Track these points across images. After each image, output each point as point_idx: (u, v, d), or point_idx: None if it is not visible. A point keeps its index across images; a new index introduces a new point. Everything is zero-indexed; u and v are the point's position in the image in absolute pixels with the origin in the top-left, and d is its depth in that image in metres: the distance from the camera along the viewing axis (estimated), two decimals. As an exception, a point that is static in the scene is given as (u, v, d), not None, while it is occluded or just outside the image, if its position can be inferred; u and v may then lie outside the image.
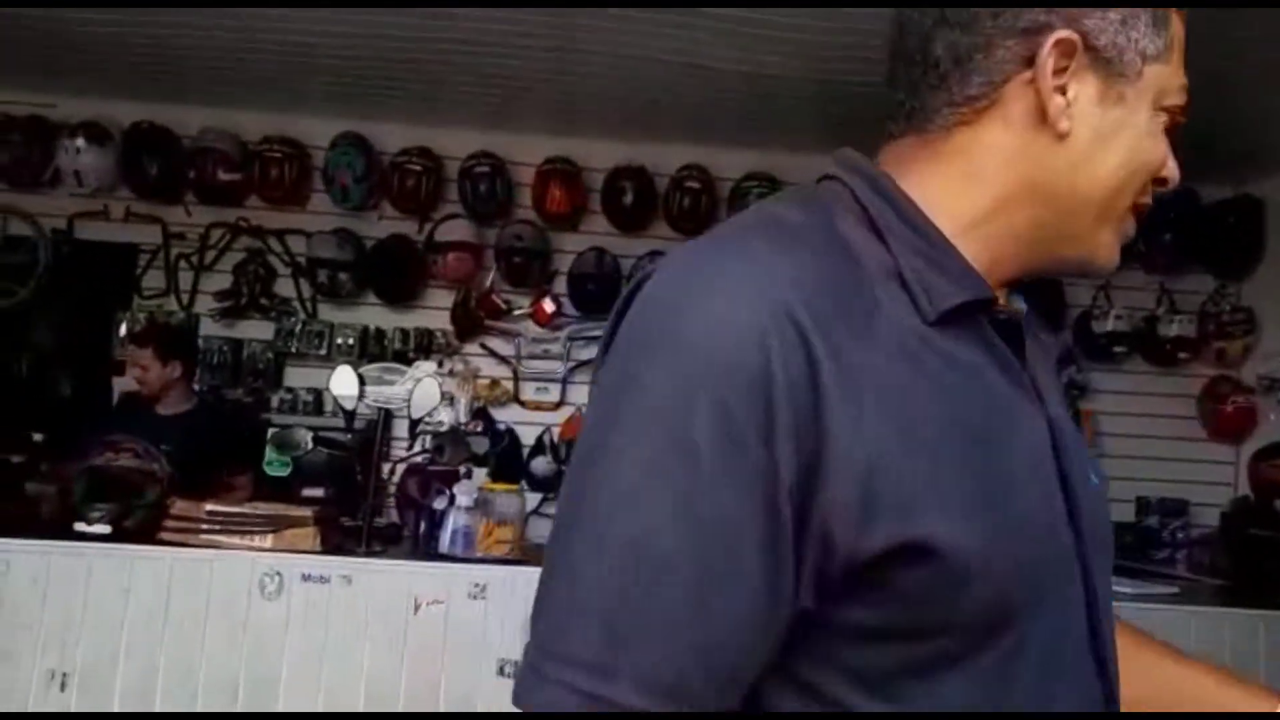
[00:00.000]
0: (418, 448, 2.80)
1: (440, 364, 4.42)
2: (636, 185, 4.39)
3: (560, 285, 4.49)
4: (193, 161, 4.26)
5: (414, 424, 2.78)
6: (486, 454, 4.32)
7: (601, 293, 4.40)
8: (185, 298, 4.37)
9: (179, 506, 2.54)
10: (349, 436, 2.84)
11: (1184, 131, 0.71)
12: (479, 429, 3.05)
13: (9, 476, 2.70)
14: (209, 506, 2.54)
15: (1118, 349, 4.43)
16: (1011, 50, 0.64)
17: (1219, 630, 2.69)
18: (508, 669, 2.48)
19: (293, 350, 4.31)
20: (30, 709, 2.36)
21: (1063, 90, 0.64)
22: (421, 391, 2.73)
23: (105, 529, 2.49)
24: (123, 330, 4.27)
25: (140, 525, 2.54)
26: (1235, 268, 4.44)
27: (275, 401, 4.30)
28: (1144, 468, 4.47)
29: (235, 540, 2.52)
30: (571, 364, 4.48)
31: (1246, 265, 4.42)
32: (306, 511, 2.58)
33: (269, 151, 4.27)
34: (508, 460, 4.38)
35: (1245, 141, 3.91)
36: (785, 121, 4.18)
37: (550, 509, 4.01)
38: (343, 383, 2.70)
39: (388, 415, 2.74)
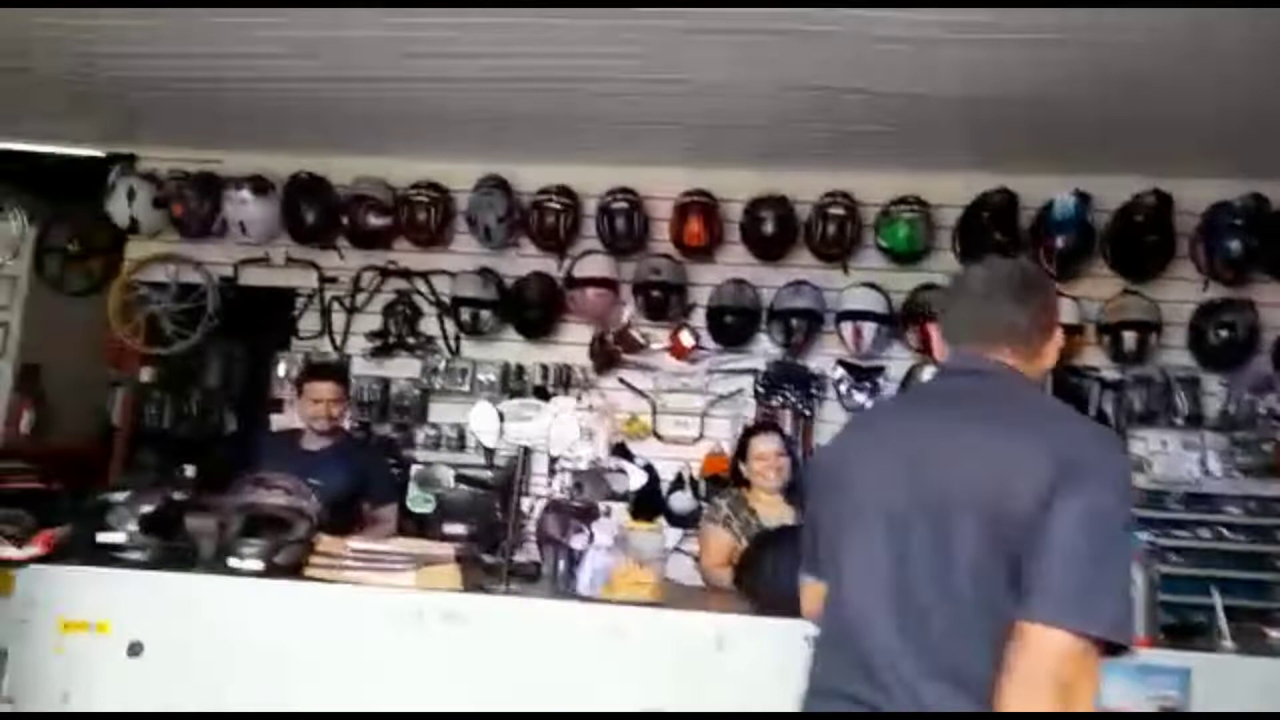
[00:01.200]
0: (556, 485, 2.74)
1: (579, 399, 4.41)
2: (776, 214, 4.26)
3: (698, 318, 4.41)
4: (346, 208, 4.45)
5: (553, 460, 2.73)
6: (627, 491, 4.28)
7: (740, 324, 4.29)
8: (338, 338, 4.55)
9: (324, 543, 2.58)
10: (490, 474, 2.82)
11: None
12: (617, 466, 2.98)
13: (172, 511, 2.81)
14: (353, 544, 2.57)
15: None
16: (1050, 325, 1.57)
17: None
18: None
19: (437, 387, 4.40)
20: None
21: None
22: (560, 427, 2.69)
23: (258, 565, 2.55)
24: (281, 370, 4.48)
25: (290, 561, 2.59)
26: None
27: (420, 437, 4.40)
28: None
29: (378, 578, 2.53)
30: (710, 397, 4.37)
31: None
32: (449, 549, 2.57)
33: (416, 196, 4.41)
34: (647, 497, 4.30)
35: None
36: (929, 141, 3.97)
37: (690, 545, 3.89)
38: (482, 419, 2.69)
39: (526, 452, 2.70)
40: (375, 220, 4.43)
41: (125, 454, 4.77)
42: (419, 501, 2.76)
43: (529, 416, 2.77)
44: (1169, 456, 4.07)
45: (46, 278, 5.04)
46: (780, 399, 4.25)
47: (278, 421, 4.43)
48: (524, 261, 4.52)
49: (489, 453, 2.76)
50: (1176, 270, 4.15)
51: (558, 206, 4.34)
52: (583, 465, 2.88)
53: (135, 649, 2.50)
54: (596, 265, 4.32)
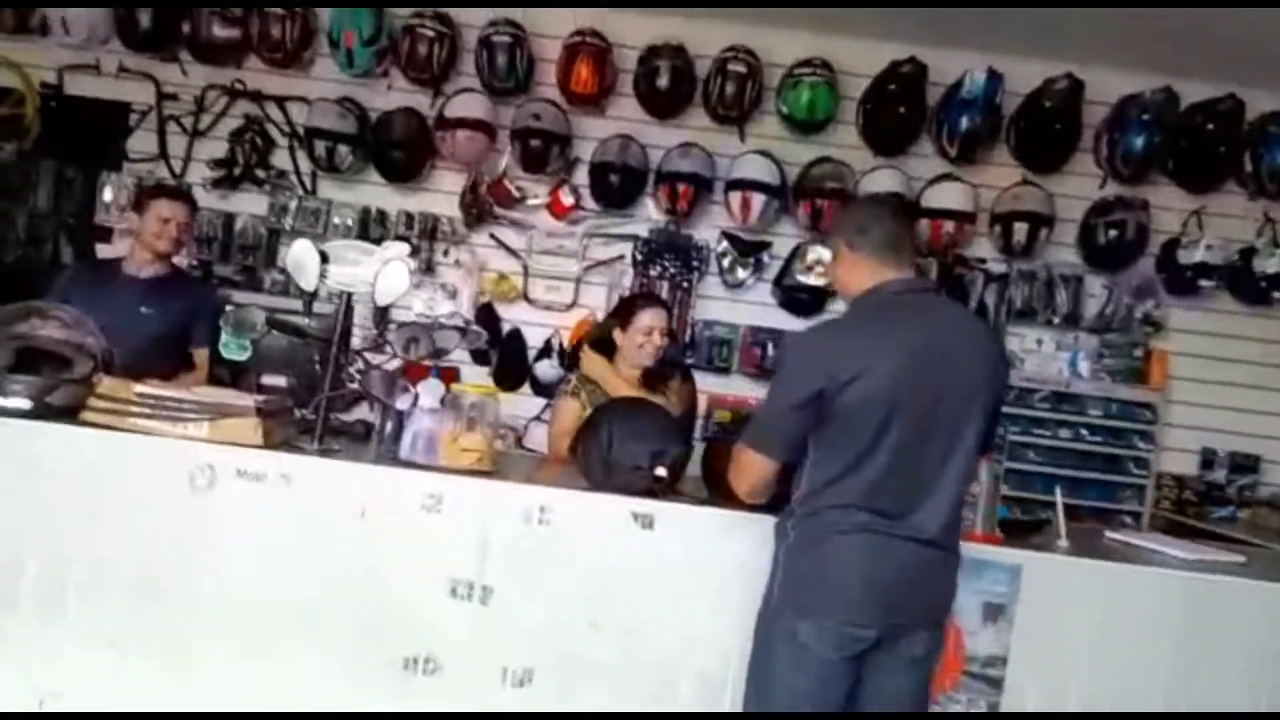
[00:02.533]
0: (393, 340, 2.46)
1: (445, 253, 4.09)
2: (673, 65, 3.91)
3: (580, 177, 4.09)
4: (189, 15, 3.89)
5: (382, 312, 2.44)
6: (487, 353, 4.03)
7: (624, 185, 3.99)
8: (177, 164, 4.06)
9: (106, 385, 2.26)
10: (308, 321, 2.53)
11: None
12: (454, 324, 2.71)
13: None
14: (139, 388, 2.26)
15: (1204, 283, 3.90)
16: None
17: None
18: (460, 589, 2.20)
19: (287, 227, 4.00)
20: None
21: None
22: (389, 276, 2.39)
23: (24, 404, 2.23)
24: (108, 195, 3.99)
25: (66, 403, 2.28)
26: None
27: (267, 282, 4.04)
28: (1215, 418, 4.02)
29: (167, 427, 2.24)
30: (587, 263, 4.10)
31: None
32: (249, 401, 2.29)
33: (269, 6, 3.88)
34: (510, 363, 4.08)
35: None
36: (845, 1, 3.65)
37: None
38: (300, 258, 2.37)
39: (350, 299, 2.41)
40: (222, 31, 3.90)
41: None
42: (233, 348, 2.44)
43: (357, 261, 2.46)
44: (1041, 355, 4.04)
45: None
46: (659, 268, 4.01)
47: (104, 252, 3.99)
48: (393, 96, 4.07)
49: (308, 298, 2.45)
50: (1077, 165, 4.01)
51: (431, 33, 3.88)
52: (420, 320, 2.61)
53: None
54: (472, 105, 3.91)
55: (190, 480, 2.22)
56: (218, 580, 2.21)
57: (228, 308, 2.61)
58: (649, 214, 4.09)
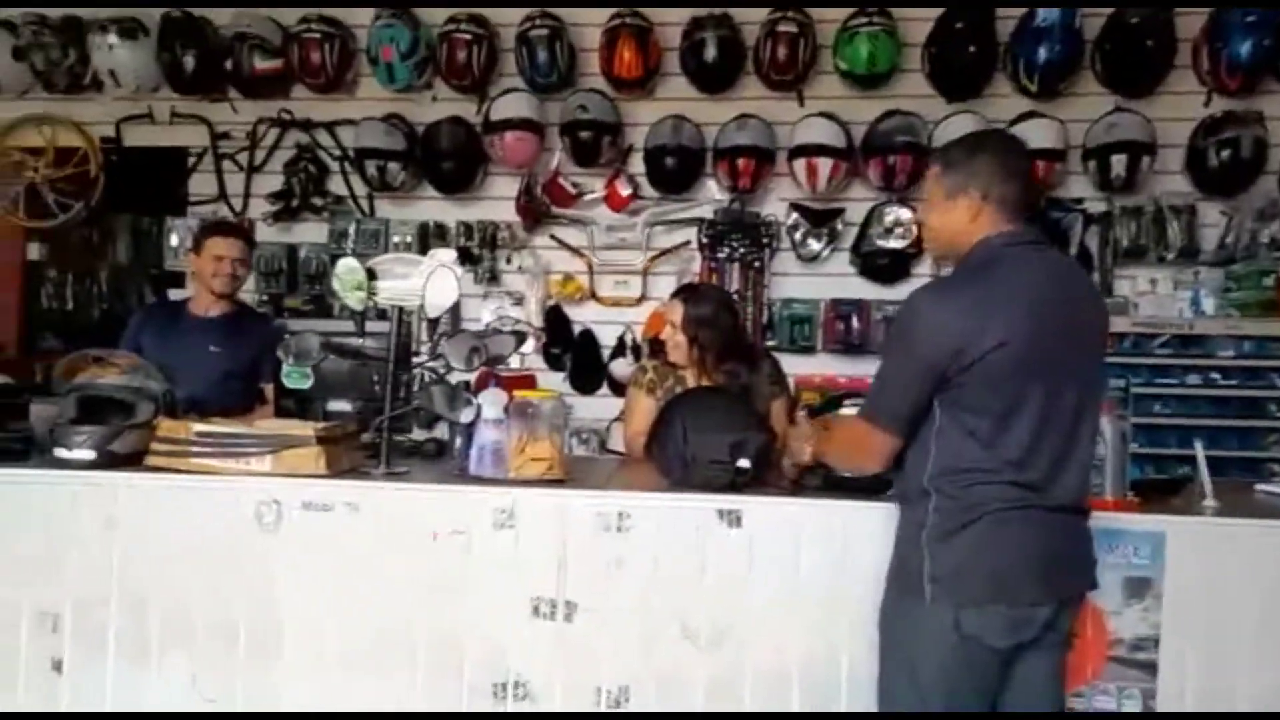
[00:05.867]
0: (447, 351, 2.35)
1: (508, 260, 3.99)
2: (719, 35, 3.71)
3: (636, 164, 3.93)
4: (230, 51, 3.90)
5: (433, 324, 2.34)
6: (561, 357, 3.91)
7: (681, 167, 3.80)
8: (236, 202, 4.08)
9: (165, 427, 2.22)
10: (362, 341, 2.44)
11: None
12: (511, 328, 2.60)
13: (6, 398, 2.45)
14: (198, 427, 2.20)
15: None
16: None
17: None
18: (542, 608, 2.06)
19: (348, 252, 3.95)
20: (24, 651, 2.14)
21: None
22: (437, 285, 2.28)
23: (89, 454, 2.20)
24: (174, 240, 4.04)
25: (131, 449, 2.24)
26: None
27: (336, 308, 4.00)
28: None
29: (230, 464, 2.18)
30: (652, 253, 3.94)
31: None
32: (308, 430, 2.21)
33: (307, 33, 3.85)
34: (585, 364, 3.95)
35: None
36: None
37: (630, 417, 3.55)
38: (345, 277, 2.28)
39: (402, 314, 2.30)
40: (263, 64, 3.88)
41: (20, 342, 4.36)
42: (295, 377, 2.36)
43: (405, 274, 2.35)
44: (1157, 297, 3.68)
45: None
46: (728, 250, 3.81)
47: (176, 296, 4.03)
48: (439, 107, 3.99)
49: (359, 317, 2.36)
50: (1175, 83, 3.64)
51: (468, 36, 3.78)
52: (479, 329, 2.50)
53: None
54: (517, 104, 3.80)
55: (257, 517, 2.15)
56: (294, 617, 2.13)
57: (285, 337, 2.55)
58: (711, 195, 3.90)
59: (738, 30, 3.75)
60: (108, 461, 2.22)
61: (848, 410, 2.06)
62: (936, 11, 3.64)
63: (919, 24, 3.72)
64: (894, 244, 3.74)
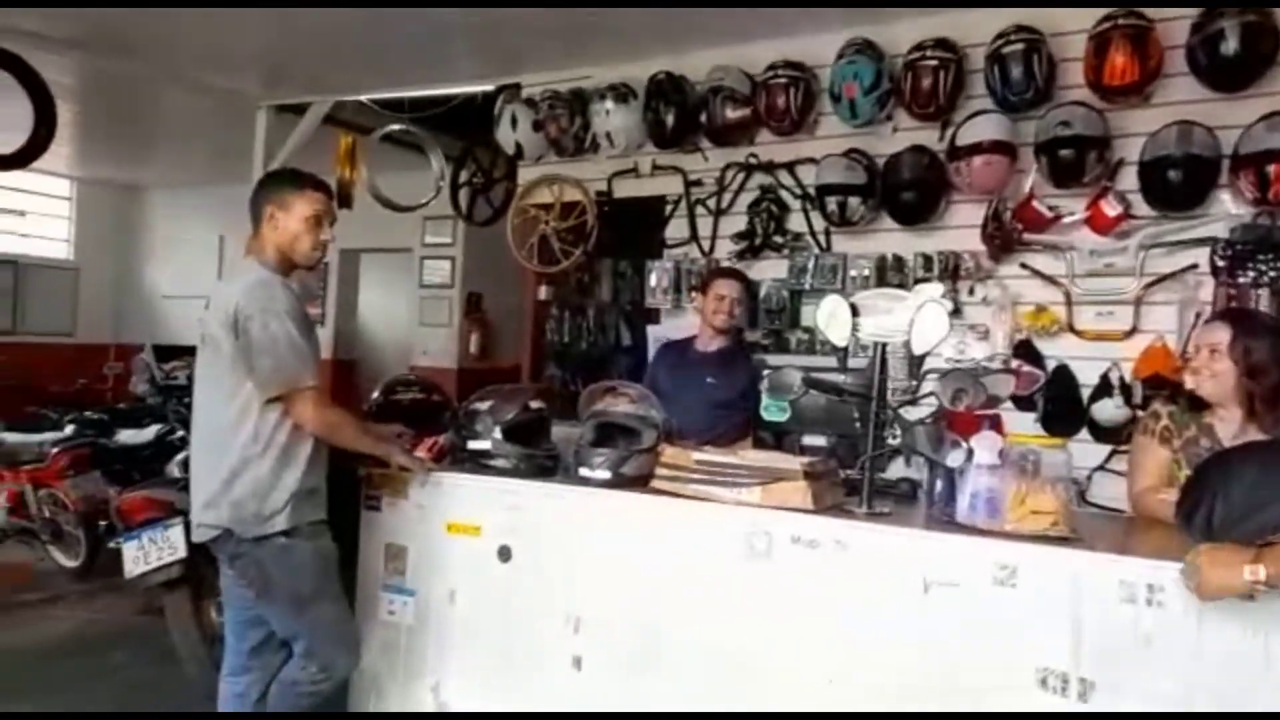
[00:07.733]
0: (927, 389, 2.27)
1: (971, 291, 3.77)
2: (1242, 25, 3.15)
3: (1126, 180, 3.48)
4: (704, 104, 4.22)
5: (918, 361, 2.26)
6: (1031, 396, 3.59)
7: (1189, 180, 3.29)
8: (705, 243, 4.39)
9: (669, 454, 2.42)
10: (844, 378, 2.44)
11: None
12: (1003, 366, 2.40)
13: (535, 420, 2.86)
14: (697, 455, 2.37)
15: None
16: None
17: None
18: (1051, 681, 1.86)
19: (807, 286, 4.05)
20: (550, 650, 2.45)
21: None
22: (925, 320, 2.20)
23: (605, 475, 2.48)
24: (653, 280, 4.45)
25: (638, 472, 2.48)
26: None
27: (793, 342, 4.12)
28: None
29: (723, 492, 2.31)
30: (1147, 279, 3.45)
31: None
32: (796, 464, 2.26)
33: (773, 79, 4.03)
34: (1062, 406, 3.57)
35: None
36: None
37: (1120, 464, 3.13)
38: (831, 313, 2.30)
39: (884, 350, 2.26)
40: (732, 112, 4.14)
41: (531, 370, 5.14)
42: (773, 410, 2.46)
43: (888, 310, 2.32)
44: None
45: (460, 211, 5.57)
46: (1253, 273, 3.20)
47: (654, 332, 4.44)
48: (899, 138, 3.93)
49: (842, 354, 2.37)
50: None
51: (934, 62, 3.66)
52: (961, 366, 2.37)
53: (504, 553, 2.58)
54: (986, 126, 3.58)
55: (749, 545, 2.24)
56: (781, 650, 2.18)
57: (765, 371, 2.66)
58: (1227, 209, 3.31)
59: (1269, 15, 3.16)
60: (620, 482, 2.48)
61: None
62: None
63: None
64: None
